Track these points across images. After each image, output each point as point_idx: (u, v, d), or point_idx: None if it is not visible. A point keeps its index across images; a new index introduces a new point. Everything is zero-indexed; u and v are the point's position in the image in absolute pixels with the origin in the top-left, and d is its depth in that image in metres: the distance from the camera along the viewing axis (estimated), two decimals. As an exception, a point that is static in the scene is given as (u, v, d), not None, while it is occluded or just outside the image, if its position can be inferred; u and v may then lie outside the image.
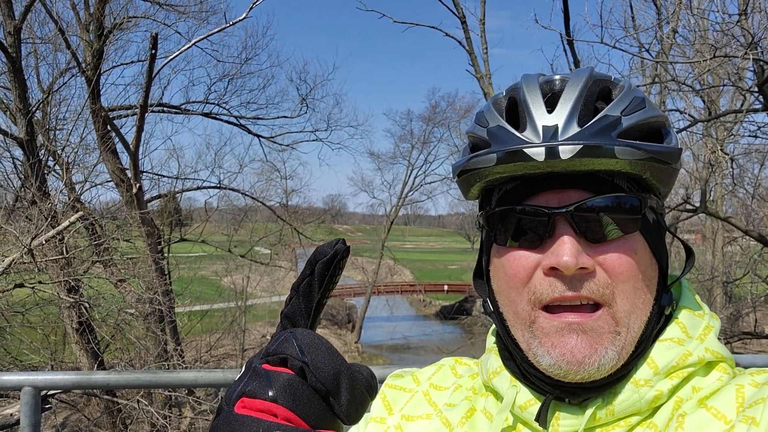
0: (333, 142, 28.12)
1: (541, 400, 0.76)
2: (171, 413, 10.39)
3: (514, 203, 0.75)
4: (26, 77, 11.05)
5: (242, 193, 19.07)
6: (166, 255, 13.55)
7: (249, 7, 12.14)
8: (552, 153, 0.69)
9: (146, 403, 8.93)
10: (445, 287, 40.99)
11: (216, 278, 23.62)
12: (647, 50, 6.77)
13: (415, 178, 35.39)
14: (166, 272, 12.94)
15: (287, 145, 20.31)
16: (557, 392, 0.74)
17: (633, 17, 8.26)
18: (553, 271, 0.71)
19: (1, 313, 7.56)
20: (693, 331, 0.76)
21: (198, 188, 17.29)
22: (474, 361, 0.96)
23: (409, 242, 74.23)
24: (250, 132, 18.69)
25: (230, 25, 13.05)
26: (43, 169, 10.76)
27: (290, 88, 32.62)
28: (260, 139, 19.04)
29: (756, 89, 4.34)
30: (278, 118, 19.28)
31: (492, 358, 0.84)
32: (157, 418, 9.09)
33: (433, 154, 36.07)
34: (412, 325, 36.56)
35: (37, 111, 11.57)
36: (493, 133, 0.76)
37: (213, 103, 17.52)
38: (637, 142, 0.72)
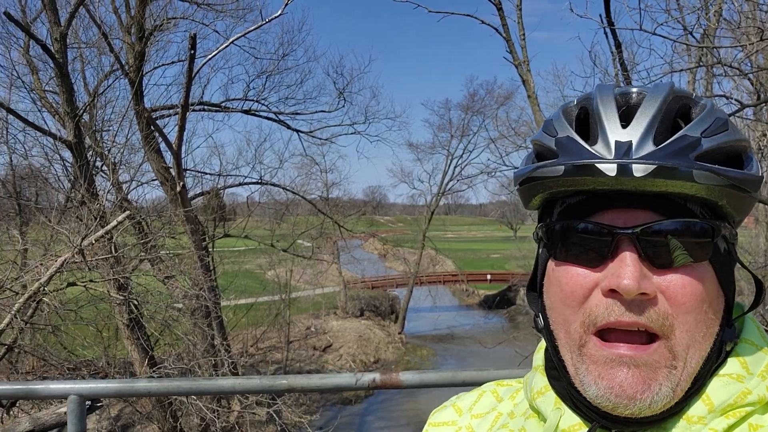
0: (371, 135, 28.25)
1: (586, 426, 0.72)
2: (219, 407, 10.63)
3: (578, 219, 0.72)
4: (73, 81, 11.39)
5: (283, 188, 19.31)
6: (210, 251, 13.82)
7: (284, 3, 12.23)
8: (624, 170, 0.65)
9: (195, 397, 9.15)
10: (488, 277, 40.70)
11: (260, 272, 24.02)
12: (691, 33, 6.52)
13: (455, 167, 35.13)
14: (211, 268, 13.21)
15: (326, 139, 20.46)
16: (604, 422, 0.71)
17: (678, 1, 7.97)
18: (612, 294, 0.68)
19: (56, 311, 7.84)
20: (754, 367, 0.72)
21: (240, 184, 17.57)
22: (516, 380, 0.93)
23: (450, 232, 73.97)
24: (289, 127, 18.87)
25: (266, 22, 13.18)
26: (91, 170, 11.09)
27: (327, 83, 32.83)
28: (299, 133, 19.23)
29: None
30: (316, 112, 19.43)
31: (537, 377, 0.81)
32: (206, 412, 9.30)
33: (472, 143, 35.62)
34: (456, 315, 36.43)
35: (84, 114, 11.91)
36: (562, 144, 0.72)
37: (252, 100, 17.76)
38: (717, 166, 0.67)
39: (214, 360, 11.22)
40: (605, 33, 8.81)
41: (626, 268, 0.66)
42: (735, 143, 0.71)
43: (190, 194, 14.16)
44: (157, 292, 10.58)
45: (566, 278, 0.72)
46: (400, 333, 30.70)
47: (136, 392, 2.33)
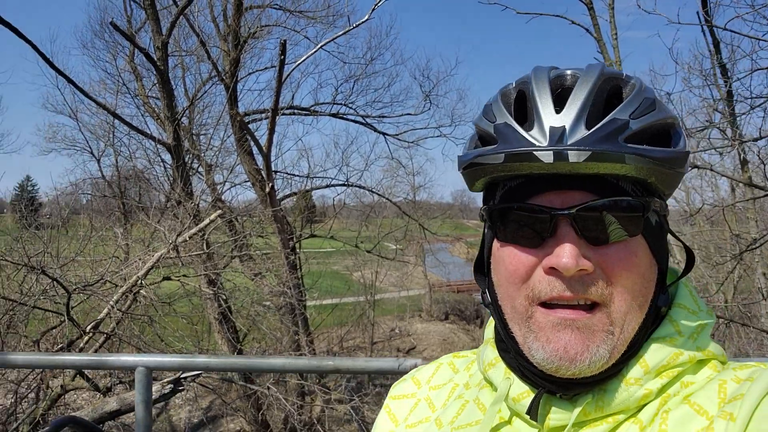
0: (457, 138, 27.91)
1: (534, 393, 0.77)
2: (303, 401, 10.93)
3: (518, 201, 0.76)
4: (173, 87, 12.09)
5: (369, 190, 19.52)
6: (297, 250, 14.22)
7: (371, 8, 12.42)
8: (560, 157, 0.69)
9: (276, 390, 9.46)
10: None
11: (347, 273, 24.44)
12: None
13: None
14: (298, 266, 13.59)
15: (412, 142, 20.48)
16: (549, 386, 0.76)
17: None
18: (553, 271, 0.72)
19: (152, 304, 8.35)
20: (686, 329, 0.77)
21: (327, 186, 17.95)
22: (471, 352, 0.98)
23: (540, 237, 72.22)
24: (375, 130, 19.09)
25: (354, 28, 13.41)
26: (188, 171, 11.72)
27: (414, 86, 32.95)
28: (386, 136, 19.40)
29: None
30: (403, 115, 19.50)
31: (488, 349, 0.86)
32: (288, 406, 9.57)
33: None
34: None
35: (183, 118, 12.60)
36: (501, 131, 0.76)
37: (340, 104, 18.11)
38: (645, 147, 0.71)
39: (299, 356, 11.54)
40: (703, 32, 8.33)
41: (565, 247, 0.71)
42: (663, 121, 0.75)
43: (279, 195, 14.65)
44: (245, 288, 11.01)
45: (510, 258, 0.76)
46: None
47: (195, 366, 2.61)
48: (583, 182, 0.72)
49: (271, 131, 12.65)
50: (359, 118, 18.48)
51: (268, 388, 9.11)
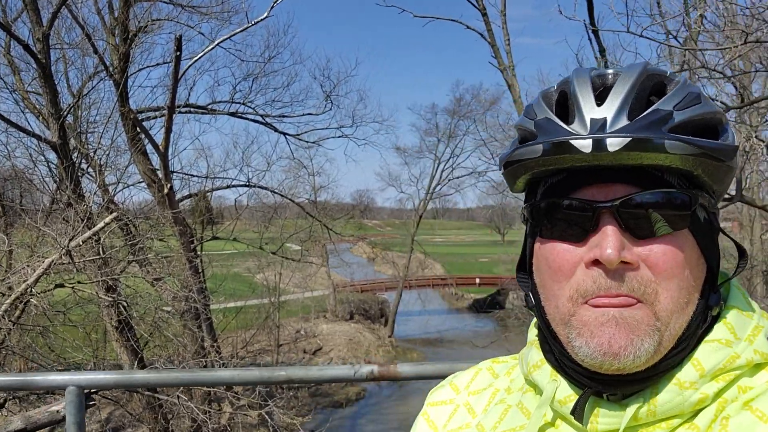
0: (359, 138, 28.34)
1: (580, 395, 0.74)
2: (210, 408, 10.51)
3: (559, 196, 0.74)
4: (56, 82, 11.27)
5: (271, 191, 19.20)
6: (199, 253, 13.71)
7: (270, 5, 12.19)
8: (599, 145, 0.67)
9: (186, 398, 9.04)
10: (477, 280, 40.81)
11: (249, 275, 23.90)
12: (675, 37, 6.58)
13: (442, 171, 35.22)
14: (200, 270, 13.11)
15: (313, 142, 20.40)
16: (596, 386, 0.73)
17: (659, 3, 8.08)
18: (595, 265, 0.70)
19: (44, 313, 7.72)
20: (741, 332, 0.74)
21: (227, 187, 17.47)
22: (512, 356, 0.95)
23: (438, 236, 74.07)
24: (276, 130, 18.81)
25: (252, 25, 13.14)
26: (77, 172, 10.97)
27: (314, 85, 32.90)
28: (286, 136, 19.16)
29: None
30: (303, 115, 19.37)
31: (533, 351, 0.83)
32: (197, 414, 9.19)
33: (459, 147, 35.78)
34: (445, 319, 36.49)
35: (69, 115, 11.78)
36: (540, 125, 0.74)
37: (239, 103, 17.69)
38: (689, 137, 0.69)
39: (205, 362, 11.10)
40: (589, 38, 8.89)
41: (607, 239, 0.69)
42: (708, 115, 0.73)
43: (178, 196, 14.05)
44: (146, 294, 10.47)
45: (552, 255, 0.74)
46: (389, 336, 30.65)
47: (134, 383, 2.34)
48: (627, 175, 0.71)
49: (168, 129, 12.13)
50: (259, 118, 18.16)
51: (178, 397, 8.68)
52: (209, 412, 9.79)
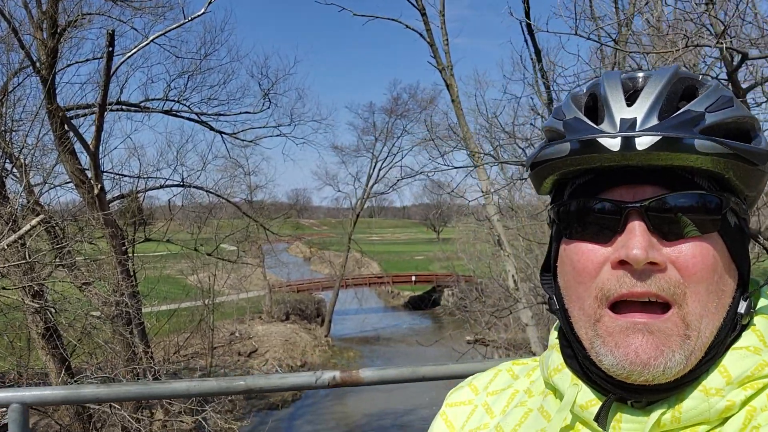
0: (297, 137, 28.12)
1: (602, 400, 0.73)
2: (143, 416, 10.26)
3: (587, 196, 0.73)
4: (-22, 78, 10.71)
5: (206, 191, 18.84)
6: (130, 256, 13.32)
7: (207, 1, 11.96)
8: (628, 144, 0.66)
9: (117, 407, 8.80)
10: (413, 278, 41.22)
11: (182, 277, 23.32)
12: (614, 40, 6.90)
13: (379, 170, 35.46)
14: (132, 273, 12.74)
15: (250, 141, 20.15)
16: (620, 392, 0.71)
17: (591, 7, 8.38)
18: (622, 265, 0.69)
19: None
20: None
21: (161, 187, 17.01)
22: (531, 359, 0.94)
23: (375, 234, 74.39)
24: (212, 129, 18.48)
25: (188, 21, 12.83)
26: (1, 172, 10.48)
27: (252, 83, 32.23)
28: (222, 135, 18.85)
29: (726, 78, 4.50)
30: (240, 113, 19.10)
31: (554, 355, 0.81)
32: (130, 422, 8.97)
33: (396, 146, 36.10)
34: (381, 317, 36.73)
35: (-9, 112, 11.22)
36: (569, 125, 0.74)
37: (173, 100, 17.26)
38: (721, 138, 0.68)
39: (137, 369, 10.82)
40: (525, 40, 9.17)
41: (635, 239, 0.67)
42: (740, 119, 0.72)
43: (109, 197, 13.58)
44: (75, 300, 10.10)
45: (578, 255, 0.73)
46: (326, 336, 30.60)
47: (83, 398, 2.19)
48: (656, 176, 0.70)
49: (99, 128, 11.71)
50: (194, 116, 17.80)
51: (110, 406, 8.44)
52: (141, 420, 9.57)
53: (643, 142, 0.66)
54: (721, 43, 3.97)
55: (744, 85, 4.98)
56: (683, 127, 0.67)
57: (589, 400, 0.74)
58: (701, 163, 0.67)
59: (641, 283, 0.68)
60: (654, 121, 0.68)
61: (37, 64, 11.73)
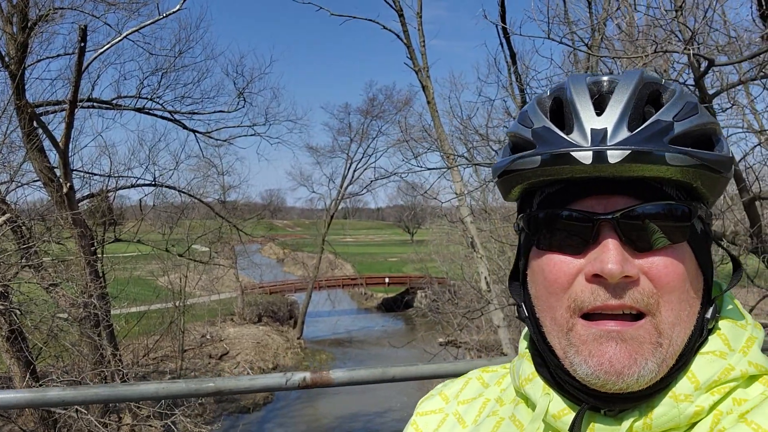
0: (271, 137, 27.82)
1: (575, 409, 0.73)
2: (110, 421, 10.08)
3: (558, 207, 0.73)
4: (-57, 72, 10.43)
5: (178, 191, 18.57)
6: (99, 256, 13.08)
7: (183, -2, 11.83)
8: (600, 157, 0.67)
9: (84, 411, 8.62)
10: (386, 280, 41.26)
11: (152, 278, 22.99)
12: (587, 45, 6.99)
13: (354, 171, 35.43)
14: (101, 274, 12.51)
15: (224, 140, 19.95)
16: (593, 401, 0.72)
17: (566, 11, 8.47)
18: (596, 279, 0.69)
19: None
20: (735, 343, 0.73)
21: (132, 186, 16.70)
22: (501, 366, 0.94)
23: (349, 236, 74.21)
24: (185, 127, 18.23)
25: (163, 17, 12.71)
26: (-35, 170, 10.21)
27: (226, 82, 32.07)
28: (196, 134, 18.62)
29: (693, 83, 4.59)
30: (215, 112, 18.87)
31: (525, 364, 0.81)
32: (97, 426, 8.79)
33: (372, 147, 36.14)
34: (355, 319, 36.68)
35: (-44, 108, 10.93)
36: (539, 134, 0.73)
37: (146, 98, 16.97)
38: (689, 149, 0.69)
39: (105, 372, 10.63)
40: (501, 43, 9.23)
41: (609, 253, 0.68)
42: (705, 126, 0.73)
43: (78, 196, 13.30)
44: (42, 301, 9.87)
45: (549, 266, 0.73)
46: (299, 338, 30.45)
47: (48, 402, 2.11)
48: (626, 187, 0.70)
49: (69, 125, 11.48)
50: (167, 114, 17.52)
51: (77, 410, 8.26)
52: (109, 424, 9.39)
53: (615, 155, 0.66)
54: (689, 50, 4.05)
55: (711, 91, 5.08)
56: (653, 139, 0.68)
57: (561, 410, 0.74)
58: (671, 174, 0.68)
59: (615, 296, 0.68)
60: (624, 131, 0.69)
61: (6, 59, 11.47)
